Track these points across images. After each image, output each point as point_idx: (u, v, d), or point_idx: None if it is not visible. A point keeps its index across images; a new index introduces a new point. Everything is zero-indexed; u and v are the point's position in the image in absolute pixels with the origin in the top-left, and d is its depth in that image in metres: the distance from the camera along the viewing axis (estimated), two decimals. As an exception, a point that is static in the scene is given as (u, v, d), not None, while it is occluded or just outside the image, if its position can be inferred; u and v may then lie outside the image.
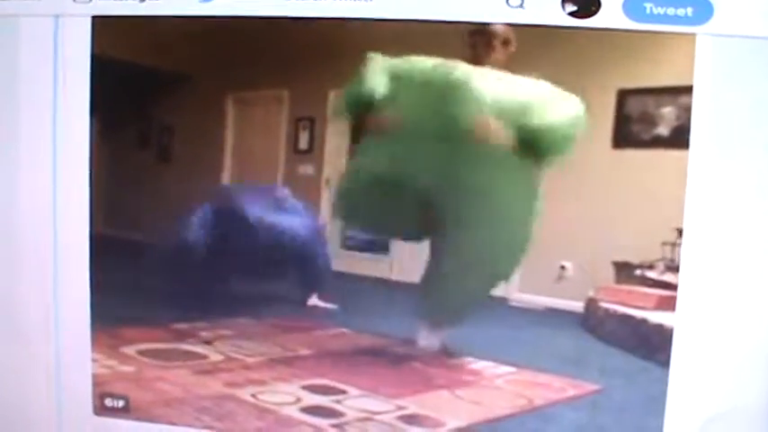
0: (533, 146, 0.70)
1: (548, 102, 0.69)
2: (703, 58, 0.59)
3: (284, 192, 0.78)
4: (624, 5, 0.60)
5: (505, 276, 0.74)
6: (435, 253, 0.73)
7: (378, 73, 0.71)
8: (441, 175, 0.71)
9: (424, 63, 0.71)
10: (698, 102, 0.60)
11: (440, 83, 0.71)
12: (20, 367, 0.73)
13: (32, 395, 0.74)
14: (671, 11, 0.59)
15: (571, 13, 0.61)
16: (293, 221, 0.78)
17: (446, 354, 0.73)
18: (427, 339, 0.74)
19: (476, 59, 0.69)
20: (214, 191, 0.80)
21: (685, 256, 0.61)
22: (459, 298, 0.75)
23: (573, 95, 0.66)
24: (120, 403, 0.74)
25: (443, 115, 0.71)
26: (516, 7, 0.61)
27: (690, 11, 0.59)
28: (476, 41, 0.68)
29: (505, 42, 0.67)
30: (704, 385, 0.62)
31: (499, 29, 0.66)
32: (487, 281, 0.74)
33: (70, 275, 0.71)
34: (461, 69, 0.70)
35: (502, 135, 0.70)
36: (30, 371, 0.73)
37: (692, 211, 0.61)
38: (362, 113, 0.73)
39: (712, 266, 0.61)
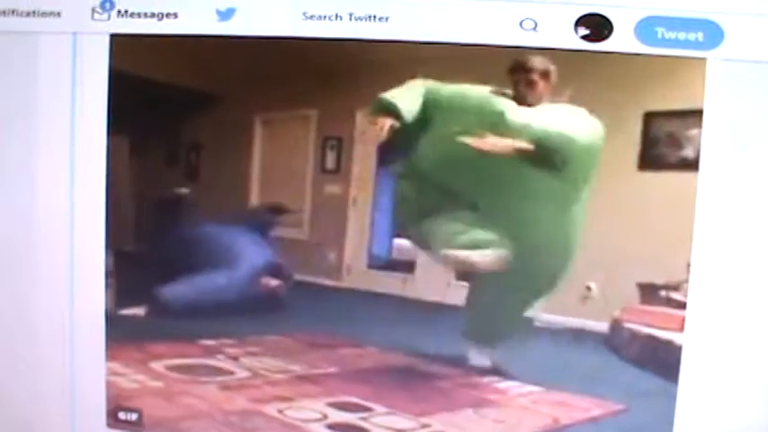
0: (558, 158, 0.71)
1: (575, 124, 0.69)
2: (714, 82, 0.60)
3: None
4: (636, 30, 0.60)
5: (549, 290, 0.74)
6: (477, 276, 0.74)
7: (413, 92, 0.72)
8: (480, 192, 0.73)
9: (471, 93, 0.72)
10: (708, 125, 0.60)
11: (480, 116, 0.71)
12: (34, 379, 0.74)
13: (46, 407, 0.75)
14: (682, 35, 0.60)
15: (584, 37, 0.61)
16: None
17: (496, 373, 0.74)
18: (478, 359, 0.74)
19: (520, 98, 0.70)
20: (237, 210, 0.81)
21: (695, 278, 0.62)
22: (503, 317, 0.75)
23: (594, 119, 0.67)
24: (134, 417, 0.75)
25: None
26: (530, 30, 0.62)
27: (700, 36, 0.60)
28: (518, 79, 0.69)
29: (544, 75, 0.68)
30: (714, 405, 0.62)
31: (537, 62, 0.66)
32: (530, 298, 0.74)
33: (86, 289, 0.73)
34: (504, 106, 0.71)
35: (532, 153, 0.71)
36: (44, 383, 0.74)
37: (703, 233, 0.61)
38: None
39: (722, 286, 0.62)
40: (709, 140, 0.60)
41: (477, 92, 0.72)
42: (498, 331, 0.75)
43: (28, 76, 0.71)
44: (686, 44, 0.60)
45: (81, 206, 0.71)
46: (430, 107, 0.73)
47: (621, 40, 0.61)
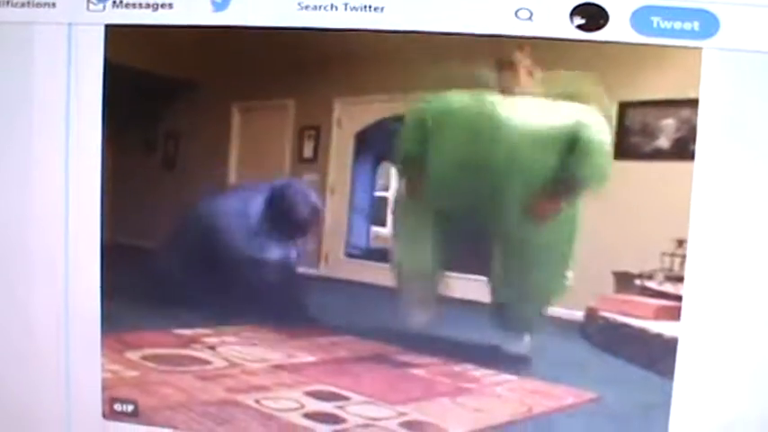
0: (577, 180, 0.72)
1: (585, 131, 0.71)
2: (709, 71, 0.60)
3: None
4: (632, 19, 0.60)
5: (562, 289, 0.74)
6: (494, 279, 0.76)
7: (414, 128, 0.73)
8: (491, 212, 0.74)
9: (459, 102, 0.72)
10: (703, 115, 0.60)
11: (476, 121, 0.72)
12: (30, 372, 0.74)
13: (42, 400, 0.74)
14: (678, 25, 0.60)
15: (579, 26, 0.61)
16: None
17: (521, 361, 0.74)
18: (515, 347, 0.74)
19: (505, 90, 0.70)
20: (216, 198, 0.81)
21: (690, 267, 0.62)
22: (525, 313, 0.76)
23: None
24: (129, 408, 0.74)
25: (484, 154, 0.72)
26: (525, 20, 0.62)
27: (696, 25, 0.60)
28: (503, 75, 0.69)
29: (530, 72, 0.68)
30: (709, 396, 0.62)
31: (520, 59, 0.67)
32: (546, 297, 0.75)
33: (81, 283, 0.72)
34: (496, 103, 0.71)
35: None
36: (40, 376, 0.74)
37: (697, 222, 0.61)
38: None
39: (718, 277, 0.62)
40: (705, 129, 0.60)
41: (463, 99, 0.72)
42: (522, 324, 0.75)
43: (23, 66, 0.70)
44: (682, 33, 0.60)
45: (76, 198, 0.71)
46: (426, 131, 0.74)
47: (617, 30, 0.61)
